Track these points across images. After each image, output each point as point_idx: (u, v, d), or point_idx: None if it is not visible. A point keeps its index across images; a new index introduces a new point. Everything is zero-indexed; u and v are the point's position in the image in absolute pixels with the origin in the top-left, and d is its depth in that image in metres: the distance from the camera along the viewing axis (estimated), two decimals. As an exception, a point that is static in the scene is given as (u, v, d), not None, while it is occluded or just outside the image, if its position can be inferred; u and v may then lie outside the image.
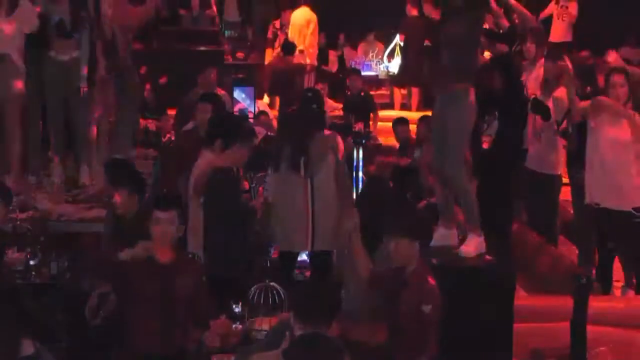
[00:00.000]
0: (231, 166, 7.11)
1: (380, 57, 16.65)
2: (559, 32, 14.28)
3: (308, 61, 15.19)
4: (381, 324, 6.00)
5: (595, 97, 7.80)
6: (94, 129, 9.20)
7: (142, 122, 12.01)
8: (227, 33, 15.60)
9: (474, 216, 6.60)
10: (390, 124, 11.63)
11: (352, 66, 15.85)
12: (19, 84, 8.53)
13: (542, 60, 9.18)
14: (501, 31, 8.99)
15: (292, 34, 15.21)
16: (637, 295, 7.83)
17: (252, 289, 6.26)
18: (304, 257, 7.46)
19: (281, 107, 13.86)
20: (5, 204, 6.74)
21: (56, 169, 8.97)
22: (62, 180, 8.96)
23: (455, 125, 6.51)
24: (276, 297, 6.17)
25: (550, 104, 8.72)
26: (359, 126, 11.40)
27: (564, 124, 8.53)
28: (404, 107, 15.33)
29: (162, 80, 13.34)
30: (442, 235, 6.68)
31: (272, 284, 6.24)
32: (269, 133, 10.48)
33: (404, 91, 15.62)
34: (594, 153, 7.70)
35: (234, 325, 5.82)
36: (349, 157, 9.51)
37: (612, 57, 11.47)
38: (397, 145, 11.24)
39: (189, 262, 5.88)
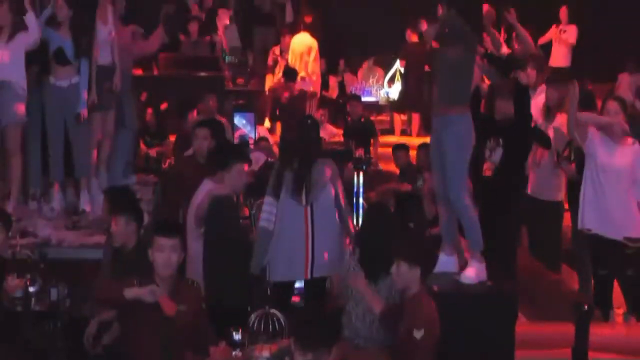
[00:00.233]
0: (231, 193, 7.10)
1: (380, 82, 16.65)
2: (558, 57, 14.34)
3: (311, 88, 15.12)
4: (382, 349, 6.00)
5: (580, 113, 7.76)
6: (94, 155, 9.19)
7: (143, 148, 12.04)
8: (227, 59, 15.60)
9: (476, 242, 6.59)
10: (390, 150, 11.65)
11: (353, 92, 15.86)
12: (19, 110, 8.52)
13: (543, 86, 9.19)
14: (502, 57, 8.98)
15: (292, 60, 15.13)
16: (639, 323, 7.79)
17: (252, 315, 6.25)
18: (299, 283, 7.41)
19: (283, 133, 13.85)
20: (5, 229, 6.74)
21: (56, 195, 8.96)
22: (62, 207, 8.96)
23: (452, 149, 6.53)
24: (276, 324, 6.16)
25: (550, 132, 8.71)
26: (359, 152, 11.37)
27: (566, 152, 8.50)
28: (404, 133, 15.31)
29: (163, 107, 13.35)
30: (443, 262, 6.68)
31: (272, 310, 6.23)
32: (269, 159, 10.49)
33: (404, 117, 15.61)
34: (587, 179, 7.68)
35: (234, 353, 5.78)
36: (349, 183, 9.51)
37: (625, 81, 11.45)
38: (398, 171, 11.25)
39: (189, 289, 5.85)
